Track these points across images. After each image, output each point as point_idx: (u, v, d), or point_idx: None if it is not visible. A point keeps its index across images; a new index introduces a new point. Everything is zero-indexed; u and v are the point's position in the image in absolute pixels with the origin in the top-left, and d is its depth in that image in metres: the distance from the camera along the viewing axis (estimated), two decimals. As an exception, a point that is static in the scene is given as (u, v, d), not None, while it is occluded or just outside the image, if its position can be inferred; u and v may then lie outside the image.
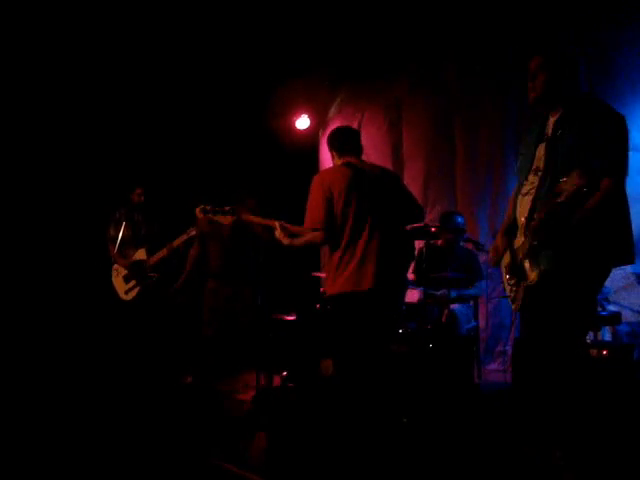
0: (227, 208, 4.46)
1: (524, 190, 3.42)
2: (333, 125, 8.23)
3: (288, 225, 4.18)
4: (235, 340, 5.90)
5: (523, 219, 3.38)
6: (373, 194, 4.11)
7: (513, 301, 3.62)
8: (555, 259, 3.21)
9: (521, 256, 3.40)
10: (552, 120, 3.39)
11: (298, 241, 4.13)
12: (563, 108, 3.33)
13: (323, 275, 4.22)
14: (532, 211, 3.30)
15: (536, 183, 3.33)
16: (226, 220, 4.48)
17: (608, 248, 3.23)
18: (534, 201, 3.31)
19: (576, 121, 3.23)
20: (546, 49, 3.44)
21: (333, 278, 4.04)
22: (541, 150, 3.38)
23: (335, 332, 4.16)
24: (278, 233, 4.14)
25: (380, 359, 4.17)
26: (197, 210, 4.57)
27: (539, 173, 3.33)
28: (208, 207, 4.51)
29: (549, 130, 3.39)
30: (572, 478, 3.37)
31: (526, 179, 3.43)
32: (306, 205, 4.11)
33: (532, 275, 3.31)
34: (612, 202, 3.13)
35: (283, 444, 4.40)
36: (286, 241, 4.13)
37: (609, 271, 3.36)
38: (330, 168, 4.32)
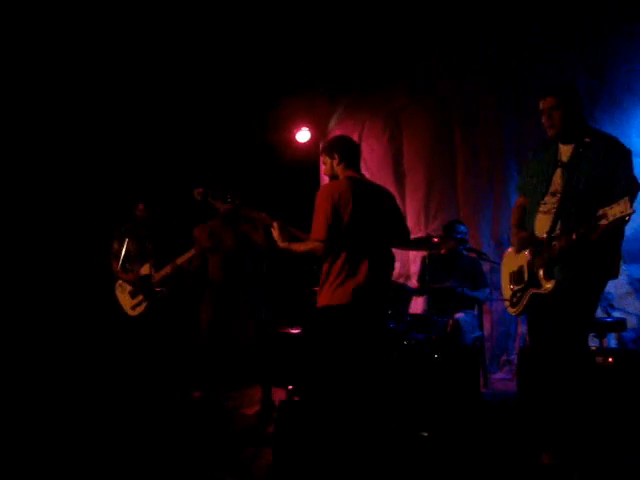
0: (228, 196, 4.45)
1: (543, 209, 3.80)
2: (333, 138, 8.26)
3: (291, 228, 4.19)
4: (236, 353, 5.88)
5: (544, 234, 3.73)
6: (374, 211, 4.13)
7: (513, 305, 3.98)
8: (562, 270, 3.64)
9: (537, 265, 3.75)
10: (565, 148, 3.81)
11: (298, 247, 4.13)
12: (578, 139, 3.74)
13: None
14: (553, 228, 3.69)
15: (556, 204, 3.73)
16: (223, 207, 4.46)
17: (607, 264, 3.71)
18: (555, 219, 3.70)
19: (593, 153, 3.67)
20: (557, 88, 3.81)
21: (332, 290, 4.03)
22: (558, 175, 3.79)
23: (329, 344, 4.14)
24: (276, 234, 4.16)
25: (377, 370, 4.17)
26: (195, 192, 4.54)
27: (557, 195, 3.74)
28: (207, 190, 4.49)
29: (563, 157, 3.80)
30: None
31: (542, 199, 3.81)
32: (313, 214, 4.10)
33: (548, 284, 3.67)
34: (624, 224, 3.45)
35: (288, 459, 4.38)
36: (283, 244, 4.15)
37: (606, 283, 3.80)
38: (338, 182, 4.28)
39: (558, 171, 3.79)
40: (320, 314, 4.17)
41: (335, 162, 4.27)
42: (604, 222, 3.26)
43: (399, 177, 7.51)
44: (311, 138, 8.03)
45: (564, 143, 3.81)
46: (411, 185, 7.44)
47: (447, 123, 7.12)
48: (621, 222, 3.24)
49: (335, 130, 8.22)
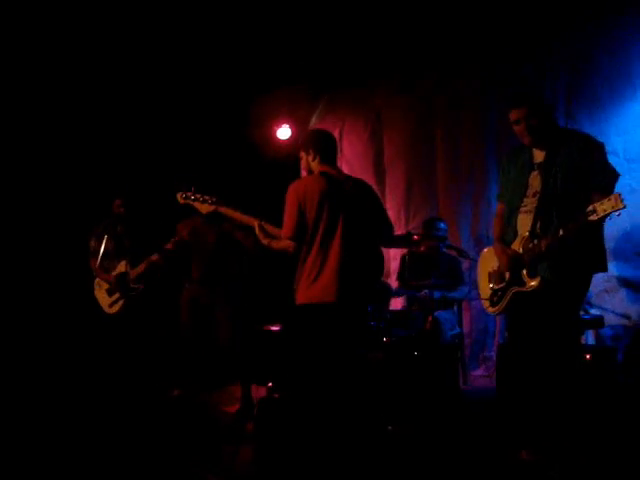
0: (207, 197, 4.45)
1: (524, 209, 3.86)
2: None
3: (268, 226, 4.20)
4: (215, 351, 5.86)
5: (526, 233, 3.79)
6: (346, 206, 4.08)
7: (493, 304, 4.01)
8: (549, 268, 3.67)
9: (520, 264, 3.80)
10: (539, 152, 3.87)
11: (275, 244, 4.14)
12: (551, 142, 3.81)
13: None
14: (534, 226, 3.75)
15: (535, 204, 3.78)
16: (204, 209, 4.45)
17: (595, 258, 3.76)
18: (535, 218, 3.75)
19: (567, 151, 3.73)
20: (528, 98, 3.86)
21: (303, 288, 4.03)
22: (534, 176, 3.85)
23: (301, 342, 4.14)
24: (257, 231, 4.18)
25: (350, 369, 4.15)
26: (178, 195, 4.55)
27: (537, 195, 3.79)
28: (189, 193, 4.49)
29: (538, 158, 3.87)
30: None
31: (521, 201, 3.88)
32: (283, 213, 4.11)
33: (532, 282, 3.71)
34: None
35: (268, 456, 4.38)
36: (265, 241, 4.16)
37: (591, 278, 3.85)
38: (306, 178, 4.28)
39: (534, 173, 3.86)
40: (296, 312, 4.18)
41: (310, 157, 4.24)
42: (594, 217, 3.31)
43: (380, 174, 7.51)
44: (292, 135, 8.01)
45: (538, 148, 3.88)
46: (391, 182, 7.45)
47: (428, 121, 7.13)
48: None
49: (316, 127, 8.22)
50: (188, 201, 4.51)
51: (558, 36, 5.98)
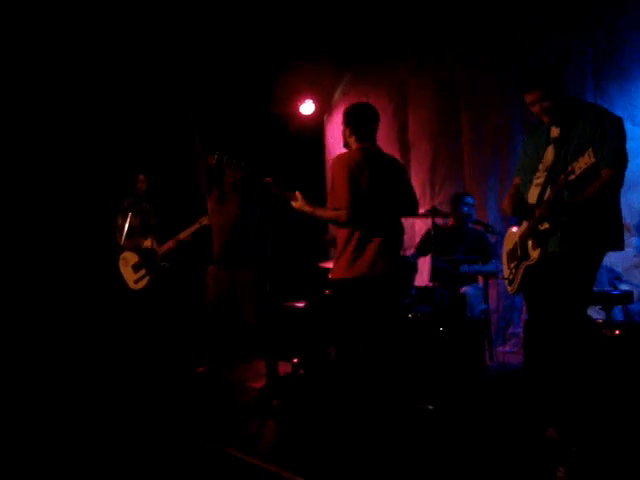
0: (242, 162, 4.43)
1: (536, 182, 3.82)
2: (338, 110, 8.17)
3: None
4: (239, 326, 5.87)
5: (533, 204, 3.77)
6: (388, 181, 4.17)
7: (510, 283, 4.01)
8: (559, 241, 3.61)
9: (526, 236, 3.78)
10: (555, 127, 3.83)
11: (323, 212, 4.17)
12: (569, 117, 3.74)
13: (331, 264, 4.23)
14: (541, 197, 3.71)
15: (544, 177, 3.76)
16: (236, 175, 4.44)
17: (605, 235, 3.65)
18: (542, 190, 3.72)
19: (582, 125, 3.66)
20: (540, 80, 3.78)
21: (348, 262, 4.06)
22: (549, 151, 3.81)
23: (342, 316, 4.16)
24: (299, 202, 4.16)
25: (388, 342, 4.19)
26: (210, 158, 4.53)
27: (548, 169, 3.76)
28: (222, 155, 4.47)
29: (554, 134, 3.82)
30: (577, 461, 3.40)
31: (534, 174, 3.86)
32: (332, 184, 4.14)
33: (534, 254, 3.71)
34: (611, 191, 3.56)
35: (293, 432, 4.39)
36: (308, 209, 4.16)
37: (604, 255, 3.75)
38: (351, 152, 4.28)
39: (549, 148, 3.83)
40: (336, 285, 4.19)
41: (347, 132, 4.30)
42: (572, 177, 3.33)
43: (404, 149, 7.44)
44: (315, 110, 7.96)
45: (556, 126, 3.83)
46: (416, 157, 7.38)
47: (452, 95, 7.02)
48: (605, 194, 3.37)
49: (340, 102, 8.15)
50: (221, 164, 4.49)
51: (584, 9, 5.84)
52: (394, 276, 4.19)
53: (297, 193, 4.20)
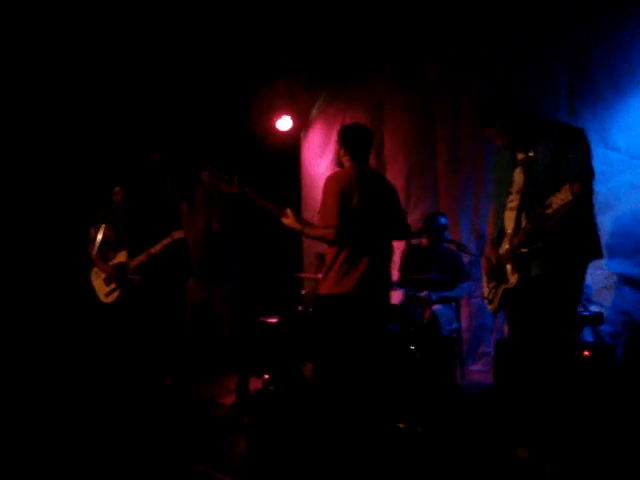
0: (234, 177, 4.43)
1: (510, 206, 3.86)
2: (315, 126, 8.22)
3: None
4: (215, 341, 5.83)
5: (510, 230, 3.81)
6: (379, 202, 4.21)
7: (490, 302, 4.03)
8: (541, 264, 3.63)
9: (504, 261, 3.81)
10: (518, 150, 3.85)
11: (311, 230, 4.22)
12: (530, 141, 3.77)
13: (319, 276, 4.24)
14: (518, 222, 3.74)
15: (518, 201, 3.77)
16: (229, 189, 4.43)
17: (584, 246, 3.70)
18: (518, 214, 3.75)
19: (547, 143, 3.70)
20: (492, 117, 3.85)
21: (337, 278, 4.07)
22: (518, 173, 3.83)
23: (330, 331, 4.16)
24: (290, 219, 4.17)
25: (375, 361, 4.22)
26: (203, 174, 4.50)
27: (520, 192, 3.77)
28: (215, 170, 4.46)
29: (520, 156, 3.84)
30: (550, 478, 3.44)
31: (507, 199, 3.88)
32: (322, 201, 4.16)
33: (512, 278, 3.75)
34: (579, 205, 3.48)
35: (263, 448, 4.36)
36: (298, 226, 4.18)
37: (586, 267, 3.79)
38: (344, 170, 4.30)
39: (517, 170, 3.85)
40: (323, 302, 4.20)
41: (342, 152, 4.35)
42: (549, 211, 3.34)
43: (380, 167, 7.46)
44: (293, 126, 7.99)
45: (519, 151, 3.87)
46: (391, 175, 7.37)
47: (428, 114, 7.08)
48: (576, 210, 3.33)
49: (317, 119, 8.19)
50: (213, 179, 4.47)
51: (559, 31, 5.93)
52: (381, 296, 4.25)
53: (288, 210, 4.20)
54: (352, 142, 4.32)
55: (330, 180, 4.17)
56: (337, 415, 4.04)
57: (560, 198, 3.26)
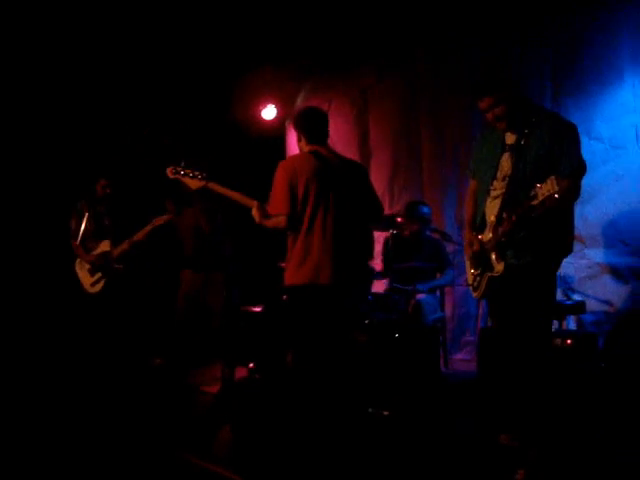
0: (198, 173, 4.39)
1: (493, 194, 3.82)
2: (300, 115, 8.19)
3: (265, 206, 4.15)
4: (205, 329, 5.85)
5: (493, 218, 3.77)
6: (335, 186, 4.07)
7: (475, 289, 4.01)
8: (516, 254, 3.67)
9: (488, 249, 3.78)
10: (510, 133, 3.82)
11: (268, 222, 4.07)
12: (524, 124, 3.75)
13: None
14: (501, 211, 3.70)
15: (504, 189, 3.74)
16: (193, 184, 4.40)
17: (562, 243, 3.75)
18: (503, 203, 3.72)
19: (538, 133, 3.68)
20: (492, 86, 3.79)
21: (293, 269, 4.02)
22: (506, 159, 3.80)
23: (293, 323, 4.15)
24: (255, 211, 4.09)
25: (341, 350, 4.15)
26: (168, 170, 4.48)
27: (506, 179, 3.75)
28: (179, 167, 4.43)
29: (510, 140, 3.81)
30: (535, 466, 3.45)
31: (491, 184, 3.84)
32: (271, 190, 4.08)
33: (498, 267, 3.72)
34: (569, 201, 3.64)
35: (249, 436, 4.37)
36: (257, 217, 4.09)
37: (561, 262, 3.83)
38: (296, 155, 4.29)
39: (505, 155, 3.82)
40: (287, 293, 4.18)
41: (298, 137, 4.27)
42: (535, 202, 3.31)
43: (365, 156, 7.48)
44: (277, 115, 7.97)
45: (512, 132, 3.82)
46: (377, 164, 7.42)
47: (414, 104, 7.09)
48: (558, 202, 3.26)
49: (302, 108, 8.18)
50: (178, 176, 4.44)
51: (544, 20, 5.94)
52: (344, 284, 4.06)
53: (254, 201, 4.14)
54: (304, 125, 4.24)
55: (279, 167, 4.09)
56: (313, 403, 4.03)
57: (546, 189, 3.23)
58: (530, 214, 3.41)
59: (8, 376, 5.87)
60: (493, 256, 3.74)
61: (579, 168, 3.58)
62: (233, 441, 4.33)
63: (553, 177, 3.22)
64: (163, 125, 7.54)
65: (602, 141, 5.61)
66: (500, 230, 3.67)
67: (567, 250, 3.79)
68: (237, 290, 5.70)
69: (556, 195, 3.19)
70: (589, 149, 5.51)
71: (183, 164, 4.44)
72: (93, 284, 6.31)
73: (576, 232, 3.95)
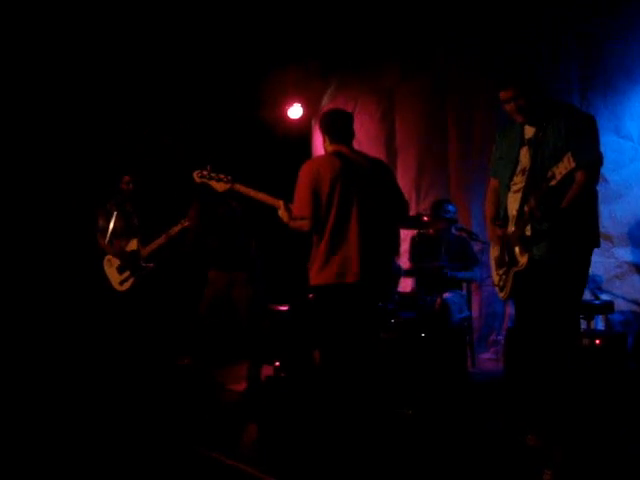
0: (223, 176, 4.43)
1: (514, 188, 3.81)
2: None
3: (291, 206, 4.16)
4: (232, 328, 5.88)
5: (514, 212, 3.77)
6: (360, 185, 4.04)
7: (501, 290, 3.96)
8: (546, 249, 3.61)
9: (512, 243, 3.75)
10: (530, 128, 3.82)
11: (293, 223, 4.07)
12: (543, 118, 3.74)
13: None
14: (522, 204, 3.68)
15: (524, 182, 3.74)
16: (220, 187, 4.44)
17: (588, 235, 3.71)
18: (523, 196, 3.69)
19: (556, 125, 3.67)
20: (515, 78, 3.81)
21: (318, 269, 4.01)
22: (524, 153, 3.81)
23: (319, 323, 4.15)
24: (280, 211, 4.12)
25: (367, 350, 4.15)
26: (195, 174, 4.53)
27: (526, 173, 3.74)
28: (205, 171, 4.47)
29: (528, 134, 3.82)
30: (563, 467, 3.42)
31: (511, 180, 3.85)
32: (294, 192, 4.08)
33: (523, 259, 3.68)
34: (589, 192, 3.61)
35: (274, 434, 4.39)
36: (285, 218, 4.10)
37: (591, 254, 3.75)
38: (320, 157, 4.28)
39: (524, 149, 3.83)
40: (312, 293, 4.18)
41: (322, 138, 4.27)
42: (553, 182, 3.32)
43: (391, 155, 7.47)
44: (303, 114, 7.98)
45: (530, 125, 3.83)
46: (403, 163, 7.41)
47: (440, 102, 7.07)
48: (582, 196, 3.31)
49: (328, 107, 8.17)
50: (204, 180, 4.48)
51: (572, 18, 5.90)
52: (370, 283, 4.03)
53: (280, 202, 4.14)
54: (327, 126, 4.22)
55: (302, 169, 4.08)
56: (340, 402, 4.03)
57: (563, 167, 3.24)
58: (551, 198, 3.40)
59: (37, 373, 5.95)
60: (517, 249, 3.72)
61: (596, 160, 3.54)
62: (259, 439, 4.35)
63: (569, 153, 3.22)
64: (188, 125, 7.59)
65: (631, 139, 5.55)
66: (521, 222, 3.65)
67: (593, 244, 3.74)
68: (263, 289, 5.72)
69: (575, 171, 3.23)
70: (618, 147, 5.47)
71: (209, 168, 4.48)
72: (122, 282, 6.37)
73: (604, 231, 3.93)
